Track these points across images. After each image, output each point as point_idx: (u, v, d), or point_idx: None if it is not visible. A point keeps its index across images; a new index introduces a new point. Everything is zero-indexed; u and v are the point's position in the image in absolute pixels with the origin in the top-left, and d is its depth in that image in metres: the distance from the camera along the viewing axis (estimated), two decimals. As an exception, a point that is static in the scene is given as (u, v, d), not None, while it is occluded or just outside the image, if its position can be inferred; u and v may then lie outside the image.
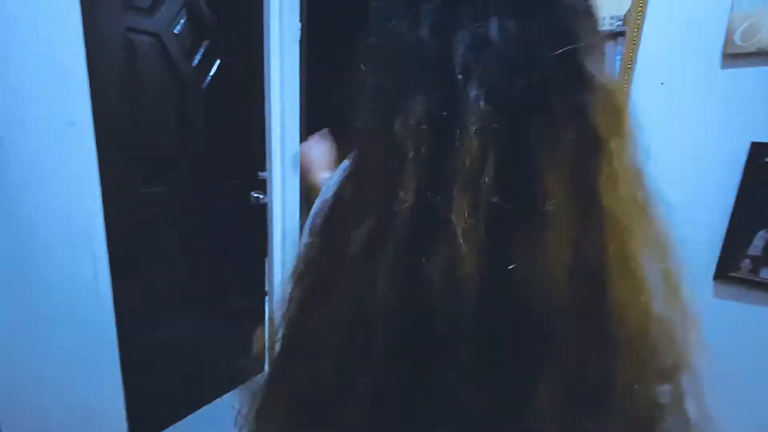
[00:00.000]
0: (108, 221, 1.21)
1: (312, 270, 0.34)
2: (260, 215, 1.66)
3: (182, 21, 1.39)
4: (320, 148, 0.84)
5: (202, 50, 1.47)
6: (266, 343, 1.84)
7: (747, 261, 0.98)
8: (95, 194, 1.20)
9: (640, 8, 1.02)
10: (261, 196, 1.65)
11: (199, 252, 1.62)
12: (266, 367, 1.83)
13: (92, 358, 1.27)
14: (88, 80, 1.11)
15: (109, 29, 1.22)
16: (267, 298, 1.84)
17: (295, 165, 1.60)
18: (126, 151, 1.33)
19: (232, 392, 1.76)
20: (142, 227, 1.42)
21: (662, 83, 1.03)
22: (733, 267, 0.99)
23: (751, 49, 0.92)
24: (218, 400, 1.73)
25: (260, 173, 1.70)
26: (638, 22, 1.03)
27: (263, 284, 1.84)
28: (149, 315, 1.48)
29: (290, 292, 0.34)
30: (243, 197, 1.65)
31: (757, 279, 0.97)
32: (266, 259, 1.74)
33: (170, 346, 1.55)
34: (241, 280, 1.77)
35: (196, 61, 1.46)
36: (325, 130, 0.85)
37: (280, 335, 0.35)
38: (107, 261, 1.25)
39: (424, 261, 0.25)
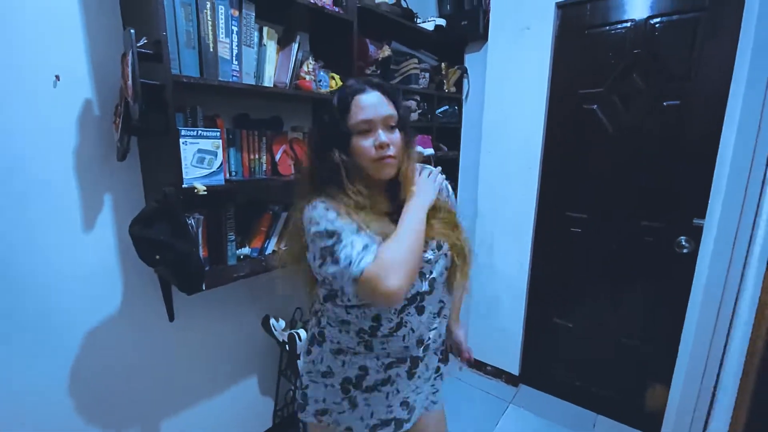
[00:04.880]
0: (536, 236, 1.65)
1: None
2: (683, 263, 1.56)
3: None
4: None
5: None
6: (666, 403, 1.68)
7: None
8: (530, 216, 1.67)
9: None
10: (686, 244, 1.55)
11: (616, 283, 1.76)
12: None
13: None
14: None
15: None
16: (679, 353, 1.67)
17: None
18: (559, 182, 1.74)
19: None
20: (564, 243, 1.80)
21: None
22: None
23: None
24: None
25: (695, 220, 1.59)
26: None
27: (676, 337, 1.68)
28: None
29: None
30: (666, 240, 1.62)
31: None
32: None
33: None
34: (649, 324, 1.72)
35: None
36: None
37: None
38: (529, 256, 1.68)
39: None
